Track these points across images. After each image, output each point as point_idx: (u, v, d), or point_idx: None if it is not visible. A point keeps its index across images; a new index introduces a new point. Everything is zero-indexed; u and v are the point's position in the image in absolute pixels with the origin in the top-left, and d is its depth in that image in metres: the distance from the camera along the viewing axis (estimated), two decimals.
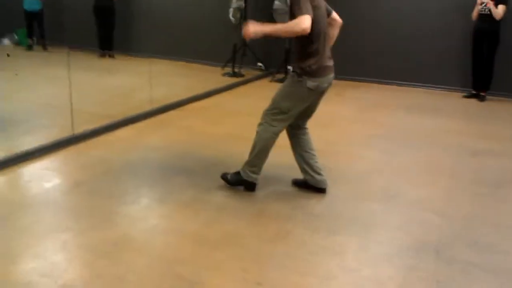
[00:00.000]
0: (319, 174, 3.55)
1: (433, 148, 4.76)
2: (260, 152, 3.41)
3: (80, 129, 4.56)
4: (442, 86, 7.52)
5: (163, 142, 4.60)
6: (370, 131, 5.23)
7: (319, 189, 3.54)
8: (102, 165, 3.95)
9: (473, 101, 6.95)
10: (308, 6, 3.09)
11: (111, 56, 9.32)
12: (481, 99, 6.92)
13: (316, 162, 3.56)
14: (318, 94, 3.35)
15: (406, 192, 3.67)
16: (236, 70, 8.16)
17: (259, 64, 8.68)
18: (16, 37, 10.31)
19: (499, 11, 6.50)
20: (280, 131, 3.41)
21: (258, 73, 8.42)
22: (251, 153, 3.45)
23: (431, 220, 3.22)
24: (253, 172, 3.48)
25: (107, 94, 6.57)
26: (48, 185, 3.55)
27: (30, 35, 9.81)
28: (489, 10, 6.56)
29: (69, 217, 3.12)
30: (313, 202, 3.41)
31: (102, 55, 9.30)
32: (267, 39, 8.35)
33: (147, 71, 6.21)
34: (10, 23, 10.05)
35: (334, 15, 3.49)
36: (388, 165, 4.23)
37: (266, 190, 3.57)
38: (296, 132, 3.55)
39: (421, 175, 4.05)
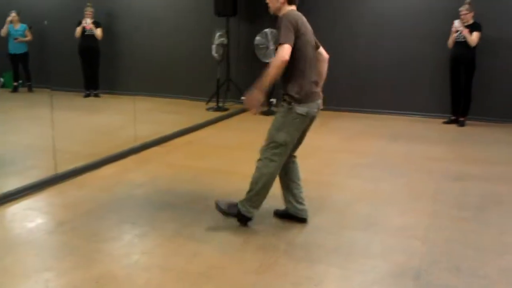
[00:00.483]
0: (301, 204, 3.58)
1: (416, 174, 4.81)
2: (262, 188, 3.37)
3: (63, 168, 4.58)
4: (423, 113, 7.65)
5: (147, 178, 4.62)
6: (354, 160, 5.29)
7: (300, 219, 3.56)
8: (85, 203, 3.95)
9: (453, 126, 7.06)
10: (289, 34, 3.14)
11: (96, 95, 9.38)
12: (461, 124, 7.04)
13: (301, 192, 3.58)
14: (309, 120, 3.38)
15: (388, 219, 3.70)
16: (220, 104, 8.26)
17: (243, 98, 8.77)
18: (1, 79, 10.36)
19: (474, 38, 6.69)
20: (281, 164, 3.39)
21: (242, 106, 8.50)
22: (252, 189, 3.40)
23: (413, 246, 3.24)
24: (253, 207, 3.44)
25: (91, 133, 6.60)
26: (31, 225, 3.53)
27: (16, 77, 9.87)
28: (464, 38, 6.75)
29: (51, 256, 3.10)
30: (296, 232, 3.43)
31: (87, 95, 9.36)
32: (250, 73, 8.56)
33: (131, 109, 6.26)
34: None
35: (321, 49, 3.56)
36: (371, 193, 4.27)
37: (249, 222, 3.57)
38: (286, 161, 3.53)
39: (404, 202, 4.09)
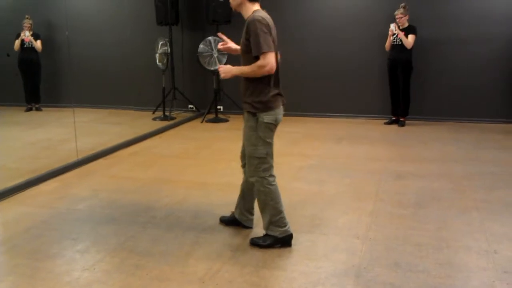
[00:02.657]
0: (251, 214, 3.61)
1: (358, 175, 4.93)
2: (273, 207, 3.27)
3: (1, 186, 4.43)
4: (365, 115, 7.87)
5: (90, 191, 4.52)
6: (300, 163, 5.36)
7: (245, 227, 3.59)
8: (25, 221, 3.83)
9: (394, 127, 7.29)
10: (269, 40, 3.05)
11: (38, 109, 9.11)
12: (401, 124, 7.27)
13: (253, 203, 3.56)
14: (277, 125, 3.28)
15: (332, 220, 3.78)
16: (166, 113, 8.20)
17: (190, 106, 8.76)
18: None
19: (410, 40, 6.93)
20: (274, 177, 3.29)
21: (189, 115, 8.48)
22: (265, 212, 3.30)
23: (354, 245, 3.32)
24: (282, 226, 3.29)
25: (32, 148, 6.41)
26: None
27: None
28: (400, 40, 6.98)
29: None
30: (240, 239, 3.44)
31: (29, 109, 9.07)
32: (196, 81, 8.57)
33: (73, 121, 6.11)
34: None
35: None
36: (316, 195, 4.35)
37: (194, 231, 3.57)
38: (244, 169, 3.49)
39: (347, 202, 4.18)
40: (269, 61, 3.05)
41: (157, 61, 8.14)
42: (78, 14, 9.10)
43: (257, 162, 3.24)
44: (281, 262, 3.10)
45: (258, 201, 3.34)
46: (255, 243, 3.33)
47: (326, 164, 5.33)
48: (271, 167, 3.28)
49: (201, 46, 7.84)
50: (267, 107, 3.17)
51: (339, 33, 7.84)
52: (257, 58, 3.08)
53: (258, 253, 3.22)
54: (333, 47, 7.89)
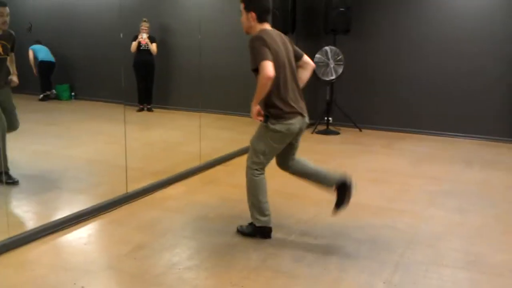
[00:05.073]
0: (333, 172, 3.55)
1: (503, 205, 4.46)
2: (253, 195, 3.46)
3: (131, 186, 4.43)
4: (492, 137, 7.24)
5: (216, 199, 4.43)
6: (430, 187, 4.96)
7: (344, 182, 3.46)
8: (159, 226, 3.78)
9: None
10: (265, 51, 3.16)
11: (149, 109, 9.32)
12: None
13: (322, 167, 3.59)
14: (292, 135, 3.40)
15: (488, 256, 3.38)
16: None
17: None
18: (54, 91, 10.53)
19: None
20: (262, 172, 3.47)
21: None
22: (248, 199, 3.51)
23: None
24: (262, 215, 3.48)
25: (150, 148, 6.48)
26: (110, 248, 3.38)
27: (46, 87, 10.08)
28: None
29: (134, 284, 2.90)
30: (392, 269, 3.14)
31: (141, 109, 9.29)
32: (307, 91, 8.34)
33: (186, 124, 6.09)
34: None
35: (306, 58, 3.59)
36: (461, 225, 3.95)
37: (336, 255, 3.33)
38: (288, 167, 3.61)
39: (498, 237, 3.76)
40: (264, 70, 3.11)
41: None
42: (194, 20, 9.19)
43: (252, 153, 3.45)
44: None
45: (247, 189, 3.51)
46: (239, 231, 3.60)
47: (461, 190, 4.88)
48: (261, 163, 3.45)
49: (317, 55, 7.63)
50: (280, 117, 3.32)
51: (467, 47, 7.30)
52: (257, 71, 3.20)
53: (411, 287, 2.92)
54: (460, 65, 7.37)
